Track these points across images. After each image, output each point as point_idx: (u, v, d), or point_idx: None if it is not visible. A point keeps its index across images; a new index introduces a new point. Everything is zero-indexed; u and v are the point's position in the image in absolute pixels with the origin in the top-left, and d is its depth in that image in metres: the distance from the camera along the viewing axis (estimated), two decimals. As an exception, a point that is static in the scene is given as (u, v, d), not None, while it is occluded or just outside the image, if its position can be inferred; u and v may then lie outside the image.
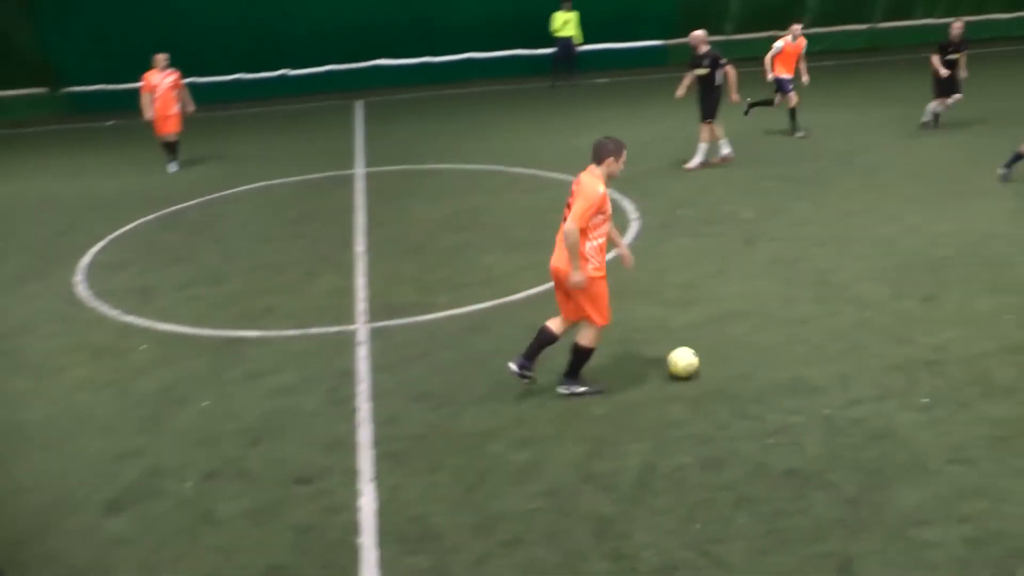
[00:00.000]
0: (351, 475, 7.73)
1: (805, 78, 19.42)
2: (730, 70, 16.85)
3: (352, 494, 7.46)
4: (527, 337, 9.92)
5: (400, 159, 19.40)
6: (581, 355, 8.75)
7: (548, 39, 28.30)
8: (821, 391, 8.66)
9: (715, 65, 16.84)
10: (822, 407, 8.36)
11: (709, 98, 17.04)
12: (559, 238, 8.46)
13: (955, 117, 19.26)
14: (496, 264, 12.61)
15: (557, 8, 27.87)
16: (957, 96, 19.08)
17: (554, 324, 8.89)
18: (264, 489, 7.62)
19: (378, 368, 9.68)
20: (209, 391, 9.41)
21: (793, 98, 19.26)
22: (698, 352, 9.16)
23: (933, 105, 19.42)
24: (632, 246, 12.75)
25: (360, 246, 13.70)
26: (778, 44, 19.17)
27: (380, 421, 8.57)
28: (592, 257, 8.34)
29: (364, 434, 8.36)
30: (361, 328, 10.73)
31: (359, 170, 18.72)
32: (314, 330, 10.77)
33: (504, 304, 11.22)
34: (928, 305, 10.53)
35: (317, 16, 27.95)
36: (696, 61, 17.05)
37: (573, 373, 8.86)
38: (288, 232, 14.80)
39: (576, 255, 8.20)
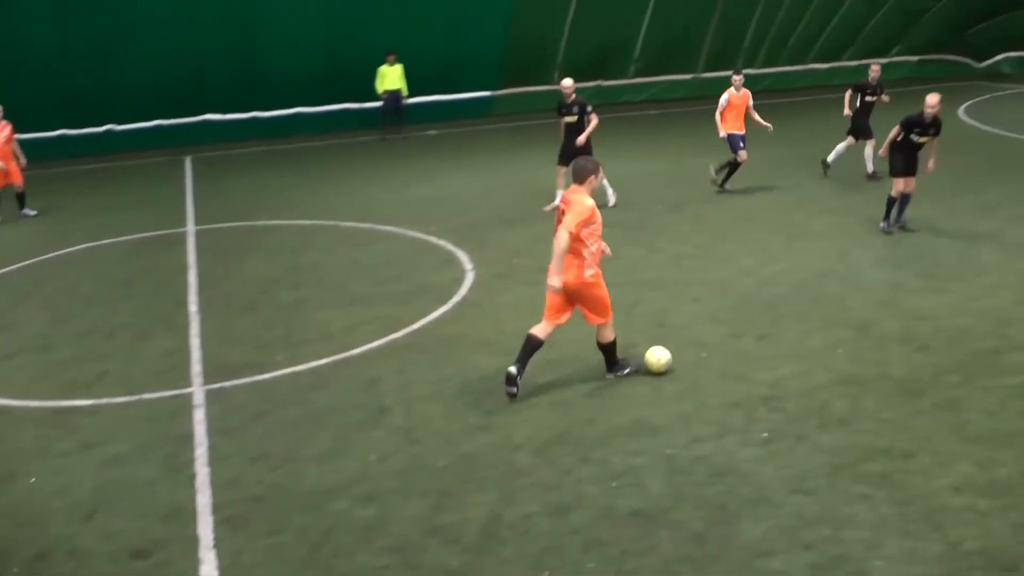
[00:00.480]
0: (191, 544, 7.46)
1: (768, 127, 18.52)
2: (594, 118, 17.47)
3: (193, 564, 7.20)
4: (368, 391, 9.86)
5: (232, 216, 19.02)
6: (611, 347, 9.98)
7: (376, 93, 28.36)
8: (663, 431, 8.79)
9: (583, 112, 17.49)
10: (664, 447, 8.48)
11: (581, 143, 17.31)
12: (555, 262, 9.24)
13: (781, 161, 19.87)
14: (333, 320, 12.45)
15: (383, 62, 27.95)
16: (872, 141, 18.73)
17: (539, 330, 9.70)
18: (98, 566, 7.27)
19: (216, 431, 9.41)
20: (37, 466, 8.96)
21: (743, 155, 18.21)
22: (539, 398, 9.45)
23: (868, 151, 19.02)
24: (468, 297, 12.86)
25: (194, 306, 13.35)
26: (723, 98, 18.20)
27: (220, 485, 8.32)
28: (589, 263, 9.39)
29: (203, 500, 8.10)
30: (197, 391, 10.44)
31: (190, 227, 18.27)
32: (148, 395, 10.42)
33: (343, 360, 11.07)
34: (763, 343, 10.83)
35: (142, 69, 26.90)
36: (566, 108, 17.66)
37: (614, 362, 10.05)
38: (119, 294, 14.29)
39: (561, 260, 9.20)
